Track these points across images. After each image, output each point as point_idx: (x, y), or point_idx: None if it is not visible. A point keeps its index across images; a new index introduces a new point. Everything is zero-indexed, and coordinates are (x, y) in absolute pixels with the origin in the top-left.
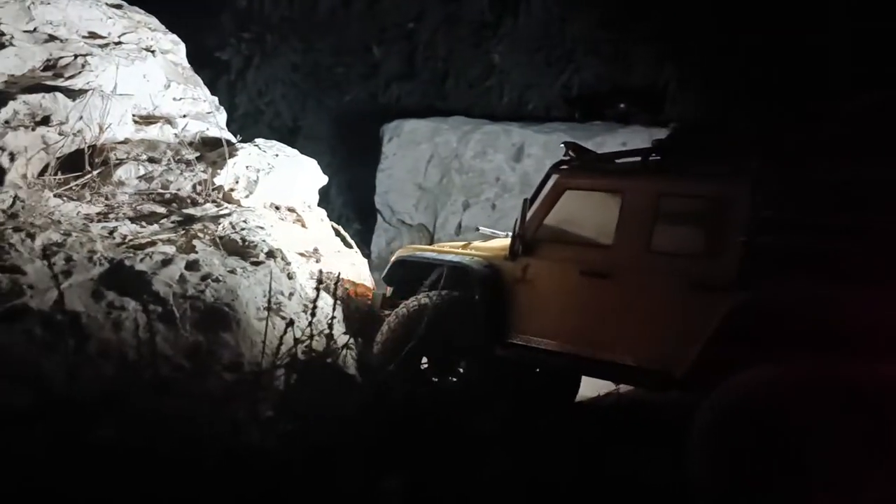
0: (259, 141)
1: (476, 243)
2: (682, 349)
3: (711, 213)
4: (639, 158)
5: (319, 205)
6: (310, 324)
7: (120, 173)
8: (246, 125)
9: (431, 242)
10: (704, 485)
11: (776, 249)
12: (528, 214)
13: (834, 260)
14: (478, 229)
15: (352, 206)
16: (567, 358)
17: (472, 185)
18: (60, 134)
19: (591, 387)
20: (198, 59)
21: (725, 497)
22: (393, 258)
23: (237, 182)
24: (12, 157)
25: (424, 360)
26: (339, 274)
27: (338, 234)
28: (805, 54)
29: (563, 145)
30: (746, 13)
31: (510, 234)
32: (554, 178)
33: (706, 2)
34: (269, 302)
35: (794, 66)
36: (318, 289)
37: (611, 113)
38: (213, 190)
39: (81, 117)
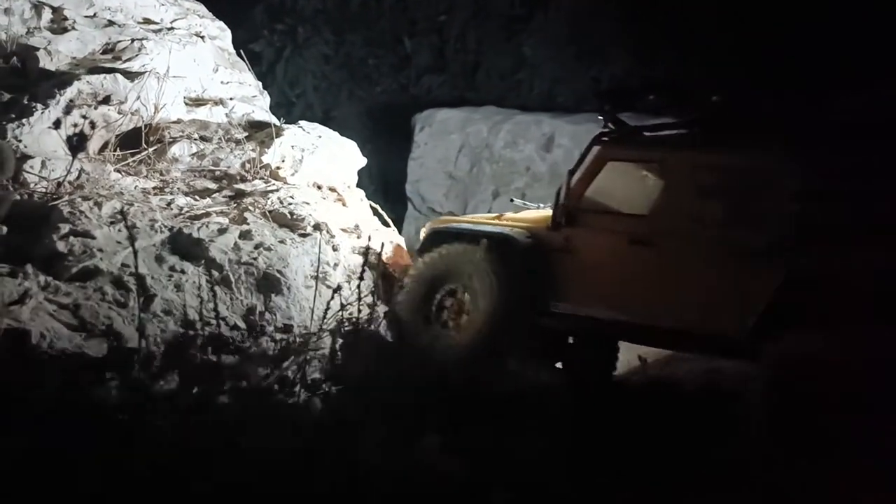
0: (303, 123)
1: (508, 214)
2: (738, 314)
3: (758, 184)
4: (682, 131)
5: None
6: (358, 289)
7: (174, 151)
8: (278, 116)
9: None
10: (761, 448)
11: (824, 218)
12: (571, 185)
13: (882, 229)
14: (512, 200)
15: (382, 194)
16: (618, 325)
17: (503, 175)
18: (119, 113)
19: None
20: None
21: (780, 459)
22: (426, 230)
23: (283, 161)
24: (93, 126)
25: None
26: (383, 245)
27: (376, 213)
28: (825, 49)
29: (600, 117)
30: (770, 9)
31: (541, 206)
32: (595, 149)
33: None
34: (317, 271)
35: (816, 60)
36: (366, 258)
37: (641, 105)
38: (262, 168)
39: (139, 97)
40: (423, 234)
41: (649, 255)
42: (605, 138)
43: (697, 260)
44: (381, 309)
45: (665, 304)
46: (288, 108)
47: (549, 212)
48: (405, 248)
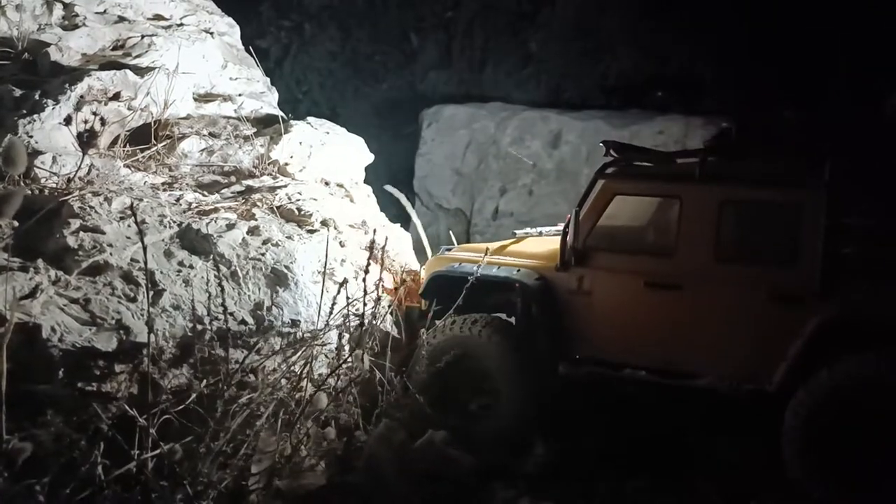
0: (311, 119)
1: (506, 244)
2: (769, 364)
3: (783, 220)
4: (694, 160)
5: None
6: (364, 287)
7: (183, 146)
8: (284, 112)
9: (468, 227)
10: (801, 474)
11: (857, 257)
12: (578, 223)
13: None
14: (514, 233)
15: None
16: (642, 372)
17: (509, 171)
18: (129, 109)
19: None
20: None
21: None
22: (427, 273)
23: (292, 157)
24: (103, 122)
25: None
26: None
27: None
28: (836, 50)
29: (602, 145)
30: (780, 7)
31: (542, 231)
32: (601, 183)
33: None
34: (324, 266)
35: (826, 62)
36: (370, 252)
37: (648, 101)
38: (270, 164)
39: (148, 93)
40: (424, 274)
41: (673, 298)
42: (610, 170)
43: (724, 304)
44: (386, 304)
45: (696, 352)
46: (294, 105)
47: (552, 241)
48: (411, 244)
